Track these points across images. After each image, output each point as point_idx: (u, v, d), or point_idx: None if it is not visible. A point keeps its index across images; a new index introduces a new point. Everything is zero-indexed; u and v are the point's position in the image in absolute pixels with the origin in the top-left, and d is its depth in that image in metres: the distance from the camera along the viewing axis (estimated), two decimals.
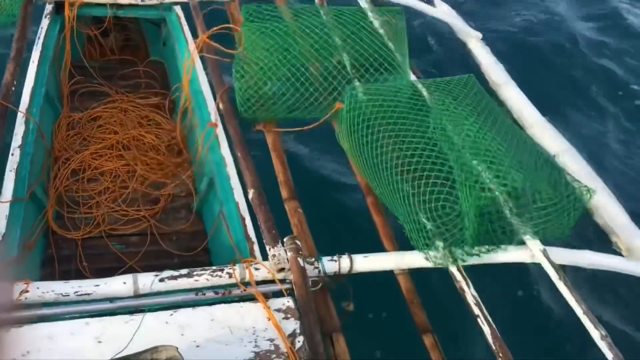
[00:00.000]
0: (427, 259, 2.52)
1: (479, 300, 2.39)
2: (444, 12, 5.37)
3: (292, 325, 2.14)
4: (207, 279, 2.32)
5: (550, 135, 4.13)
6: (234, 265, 2.37)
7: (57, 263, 2.94)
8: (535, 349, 3.05)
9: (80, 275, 2.89)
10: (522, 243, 2.71)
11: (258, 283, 2.34)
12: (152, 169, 3.52)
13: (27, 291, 2.18)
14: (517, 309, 3.19)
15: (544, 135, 4.17)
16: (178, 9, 4.09)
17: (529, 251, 2.67)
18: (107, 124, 3.78)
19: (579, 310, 2.43)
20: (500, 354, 2.24)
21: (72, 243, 3.06)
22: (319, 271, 2.45)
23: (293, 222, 2.72)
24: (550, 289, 2.56)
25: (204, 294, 2.29)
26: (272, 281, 2.37)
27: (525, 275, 3.29)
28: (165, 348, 1.73)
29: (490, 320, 2.33)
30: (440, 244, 2.49)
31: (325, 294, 2.44)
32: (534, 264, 2.65)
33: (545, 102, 5.13)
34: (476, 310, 2.37)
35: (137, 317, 2.06)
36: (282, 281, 2.36)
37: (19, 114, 3.05)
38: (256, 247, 2.63)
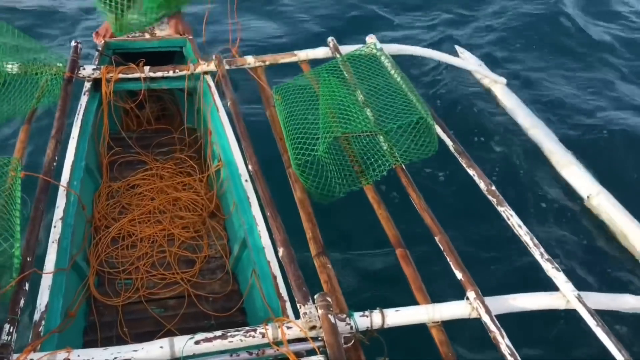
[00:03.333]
0: None
1: (514, 351, 2.35)
2: (466, 61, 5.48)
3: None
4: (241, 340, 2.37)
5: (582, 176, 4.12)
6: (267, 325, 2.41)
7: (99, 330, 3.03)
8: None
9: (121, 341, 2.97)
10: (555, 289, 2.68)
11: (291, 341, 2.37)
12: (187, 232, 3.63)
13: (69, 359, 2.26)
14: (553, 356, 3.10)
15: (576, 176, 4.16)
16: (208, 78, 4.28)
17: (563, 297, 2.64)
18: (144, 191, 3.93)
19: (620, 358, 2.37)
20: None
21: (113, 309, 3.16)
22: (351, 327, 2.47)
23: (323, 278, 2.76)
24: (587, 334, 2.50)
25: (238, 355, 2.32)
26: (305, 339, 2.39)
27: (558, 321, 3.21)
28: None
29: None
30: None
31: (358, 350, 2.44)
32: (568, 310, 2.61)
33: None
34: None
35: None
36: (315, 339, 2.38)
37: (60, 187, 3.21)
38: (288, 305, 2.67)
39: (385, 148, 3.40)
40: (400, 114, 3.42)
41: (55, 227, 2.99)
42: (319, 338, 2.39)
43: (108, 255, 3.43)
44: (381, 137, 3.44)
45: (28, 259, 2.63)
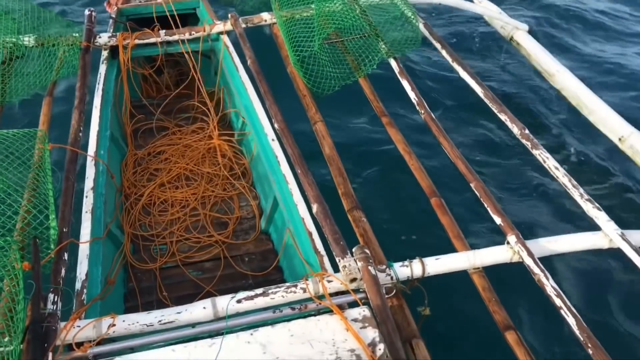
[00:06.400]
0: None
1: (560, 291, 2.33)
2: (486, 8, 5.29)
3: (371, 333, 2.14)
4: (283, 296, 2.36)
5: (613, 119, 3.99)
6: (307, 280, 2.40)
7: (139, 295, 3.05)
8: (624, 336, 2.92)
9: (161, 305, 3.00)
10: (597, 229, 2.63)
11: (332, 295, 2.36)
12: (217, 195, 3.62)
13: (114, 324, 2.28)
14: (600, 296, 3.06)
15: (606, 120, 4.03)
16: (225, 38, 4.21)
17: (606, 236, 2.59)
18: (170, 156, 3.92)
19: None
20: (589, 345, 2.16)
21: (150, 274, 3.18)
22: (391, 278, 2.45)
23: (358, 232, 2.73)
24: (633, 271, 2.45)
25: (281, 311, 2.32)
26: (346, 292, 2.38)
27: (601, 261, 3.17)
28: None
29: (574, 310, 2.26)
30: None
31: (400, 300, 2.42)
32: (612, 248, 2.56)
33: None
34: (558, 302, 2.30)
35: (220, 339, 2.12)
36: (356, 291, 2.37)
37: (88, 157, 3.20)
38: (326, 260, 2.65)
39: (375, 43, 3.81)
40: (386, 10, 3.95)
41: (87, 197, 2.99)
42: (360, 290, 2.38)
43: (141, 222, 3.44)
44: (372, 35, 3.85)
45: (64, 230, 2.64)
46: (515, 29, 5.16)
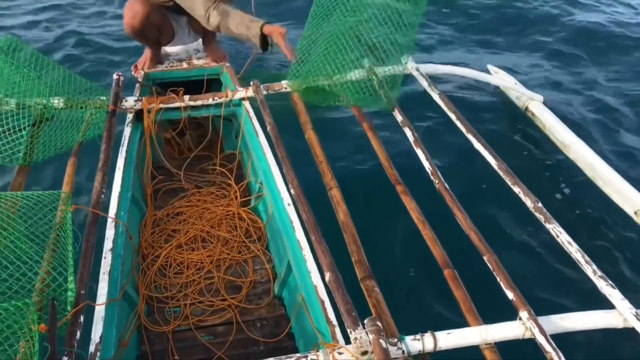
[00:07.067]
0: None
1: None
2: (502, 79, 5.42)
3: None
4: None
5: (628, 191, 4.01)
6: (318, 351, 2.41)
7: (151, 359, 3.06)
8: None
9: None
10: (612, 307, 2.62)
11: None
12: (232, 258, 3.67)
13: None
14: None
15: (621, 192, 4.04)
16: (246, 104, 4.35)
17: (620, 315, 2.57)
18: (188, 217, 3.99)
19: None
20: None
21: (163, 337, 3.19)
22: (403, 351, 2.45)
23: (371, 302, 2.73)
24: None
25: None
26: None
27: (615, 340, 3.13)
28: None
29: None
30: None
31: None
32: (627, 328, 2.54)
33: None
34: None
35: None
36: None
37: (108, 218, 3.28)
38: (338, 330, 2.65)
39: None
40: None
41: (105, 258, 3.05)
42: None
43: (156, 284, 3.49)
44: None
45: (82, 292, 2.69)
46: (530, 100, 5.27)
